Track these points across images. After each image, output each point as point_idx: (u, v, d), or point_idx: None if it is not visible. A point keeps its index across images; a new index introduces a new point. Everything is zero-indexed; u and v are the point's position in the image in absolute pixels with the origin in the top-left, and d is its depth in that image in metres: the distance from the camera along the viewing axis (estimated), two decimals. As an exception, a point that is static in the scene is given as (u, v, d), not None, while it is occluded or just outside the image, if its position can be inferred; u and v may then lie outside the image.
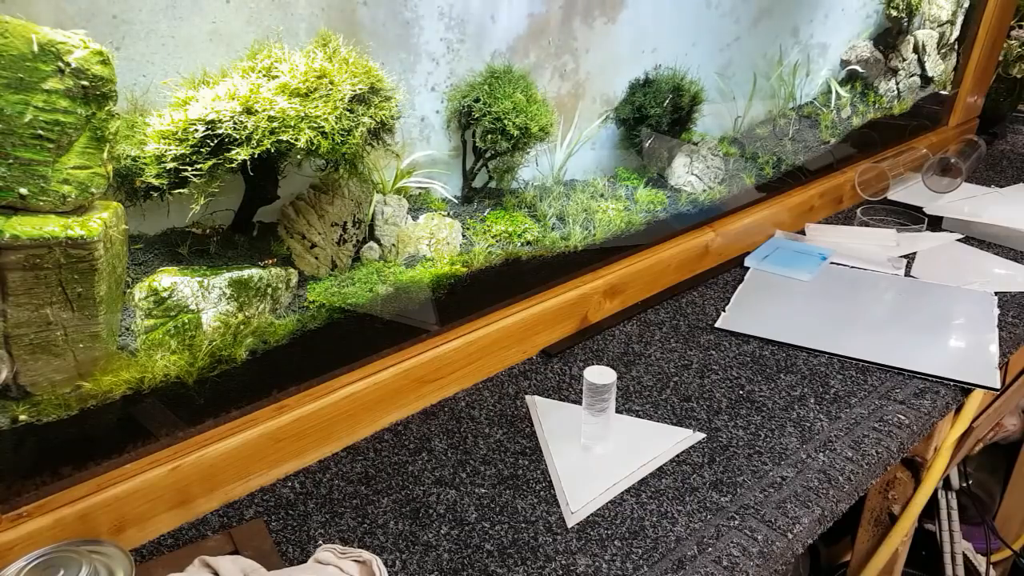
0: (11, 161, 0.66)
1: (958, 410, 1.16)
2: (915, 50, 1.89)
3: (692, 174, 1.39)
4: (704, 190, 1.39)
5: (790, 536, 0.83)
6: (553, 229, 1.18)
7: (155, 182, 0.79)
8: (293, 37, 0.93)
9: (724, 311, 1.28)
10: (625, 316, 1.27)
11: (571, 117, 1.31)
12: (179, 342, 0.82)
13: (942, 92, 1.98)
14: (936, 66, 1.94)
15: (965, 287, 1.35)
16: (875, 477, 0.95)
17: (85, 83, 0.68)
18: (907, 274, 1.41)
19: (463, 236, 1.11)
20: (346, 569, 0.73)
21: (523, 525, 0.84)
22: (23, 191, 0.67)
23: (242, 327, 0.86)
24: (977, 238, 1.56)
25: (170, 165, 0.77)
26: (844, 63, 1.84)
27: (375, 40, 1.01)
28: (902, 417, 1.02)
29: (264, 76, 0.82)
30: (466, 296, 1.06)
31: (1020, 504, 1.98)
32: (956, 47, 1.98)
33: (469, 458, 0.95)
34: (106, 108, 0.70)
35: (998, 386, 1.07)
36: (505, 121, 1.07)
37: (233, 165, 0.77)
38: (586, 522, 0.85)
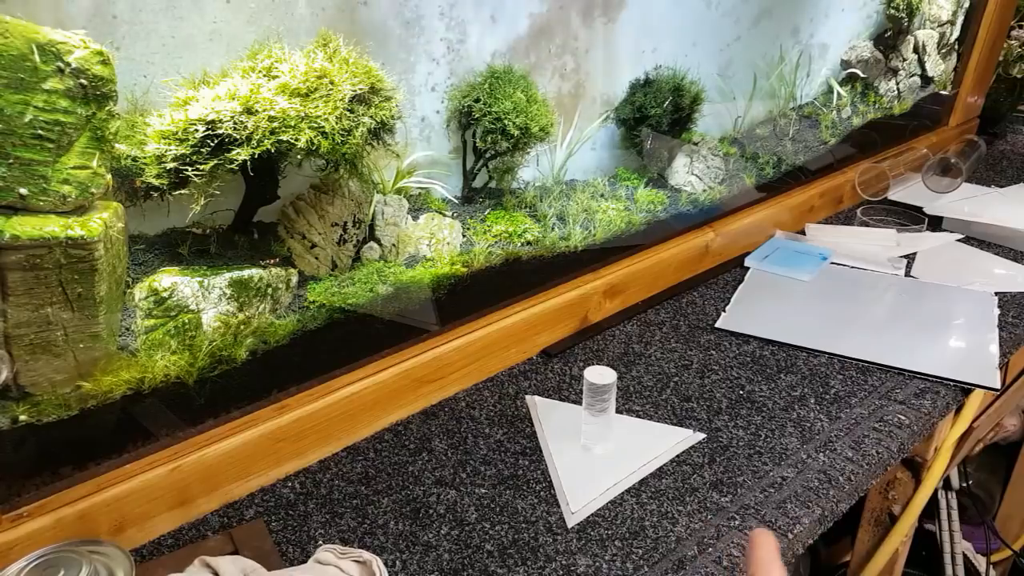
0: (11, 161, 0.66)
1: (958, 410, 1.16)
2: (915, 50, 1.89)
3: (692, 174, 1.39)
4: (704, 190, 1.39)
5: (790, 536, 0.83)
6: (553, 229, 1.18)
7: (155, 182, 0.79)
8: (293, 37, 0.93)
9: (724, 311, 1.28)
10: (625, 316, 1.27)
11: (571, 117, 1.31)
12: (179, 342, 0.82)
13: (942, 92, 1.98)
14: (936, 66, 1.94)
15: (965, 287, 1.35)
16: (875, 477, 0.95)
17: (85, 83, 0.68)
18: (907, 274, 1.41)
19: (463, 236, 1.11)
20: (346, 569, 0.73)
21: (523, 525, 0.84)
22: (23, 191, 0.67)
23: (242, 327, 0.86)
24: (977, 238, 1.55)
25: (170, 165, 0.77)
26: (844, 63, 1.84)
27: (375, 40, 1.01)
28: (902, 417, 1.02)
29: (264, 76, 0.82)
30: (466, 296, 1.06)
31: (1020, 504, 1.98)
32: (956, 47, 1.98)
33: (469, 458, 0.95)
34: (106, 108, 0.70)
35: (998, 386, 1.07)
36: (505, 121, 1.07)
37: (233, 165, 0.77)
38: (586, 522, 0.85)
